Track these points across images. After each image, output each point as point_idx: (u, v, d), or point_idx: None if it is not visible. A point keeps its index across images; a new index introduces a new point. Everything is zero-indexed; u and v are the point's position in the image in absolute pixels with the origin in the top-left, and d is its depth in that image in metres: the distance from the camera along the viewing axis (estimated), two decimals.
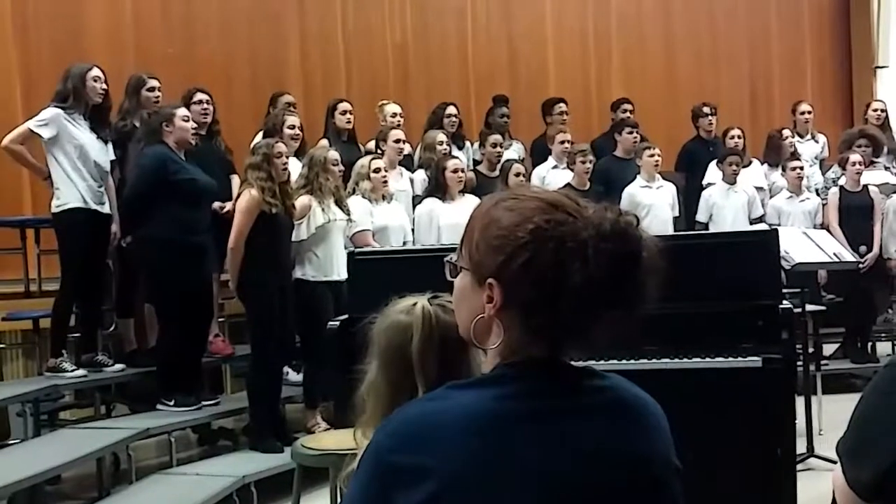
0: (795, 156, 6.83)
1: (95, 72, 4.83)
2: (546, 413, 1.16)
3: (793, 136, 7.09)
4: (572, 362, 1.24)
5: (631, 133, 6.72)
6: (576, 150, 6.27)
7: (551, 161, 6.67)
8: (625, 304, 1.17)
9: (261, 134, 5.49)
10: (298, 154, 5.30)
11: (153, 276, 4.81)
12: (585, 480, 1.14)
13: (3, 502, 3.84)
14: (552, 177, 6.51)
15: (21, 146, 4.79)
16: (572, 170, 6.23)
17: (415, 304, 1.66)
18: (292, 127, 5.40)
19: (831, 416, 4.79)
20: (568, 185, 6.18)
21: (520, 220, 1.19)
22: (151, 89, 5.24)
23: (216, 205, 5.01)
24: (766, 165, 7.09)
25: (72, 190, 4.72)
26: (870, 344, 6.52)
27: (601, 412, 1.19)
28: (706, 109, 7.17)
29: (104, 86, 4.87)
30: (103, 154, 4.89)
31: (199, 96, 5.34)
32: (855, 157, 6.47)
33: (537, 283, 1.15)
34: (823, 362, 5.48)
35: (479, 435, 1.13)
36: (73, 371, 4.72)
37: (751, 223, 6.46)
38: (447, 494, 1.10)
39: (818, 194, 6.77)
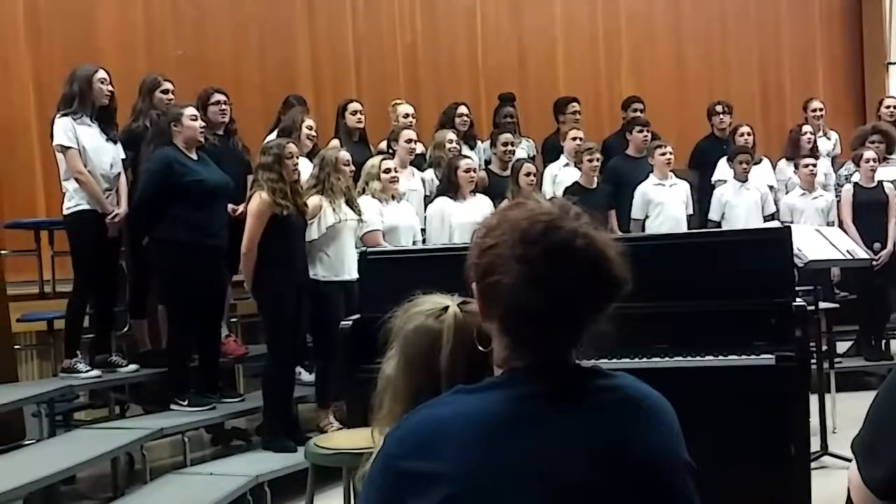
0: (815, 153, 6.79)
1: (101, 74, 4.84)
2: (554, 414, 1.17)
3: (813, 134, 7.03)
4: (581, 362, 1.24)
5: (641, 132, 6.71)
6: (583, 148, 6.26)
7: (563, 159, 6.66)
8: (557, 310, 1.17)
9: (274, 134, 5.51)
10: (310, 155, 5.32)
11: (164, 278, 4.84)
12: (595, 480, 1.14)
13: (20, 502, 3.87)
14: (564, 175, 6.51)
15: (85, 173, 4.70)
16: (579, 168, 6.23)
17: (445, 309, 1.61)
18: (310, 128, 5.43)
19: (845, 413, 4.77)
20: (576, 183, 6.19)
21: (494, 225, 1.21)
22: (165, 91, 5.26)
23: (229, 207, 5.03)
24: (783, 161, 7.06)
25: (82, 192, 4.74)
26: (884, 341, 6.49)
27: (609, 412, 1.19)
28: (719, 108, 7.16)
29: (110, 87, 4.88)
30: (112, 155, 4.90)
31: (217, 97, 5.35)
32: (869, 153, 6.43)
33: (494, 287, 1.18)
34: (837, 360, 5.46)
35: (488, 438, 1.14)
36: (87, 372, 4.75)
37: (764, 220, 6.43)
38: (459, 498, 1.11)
39: (835, 191, 6.73)
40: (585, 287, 1.17)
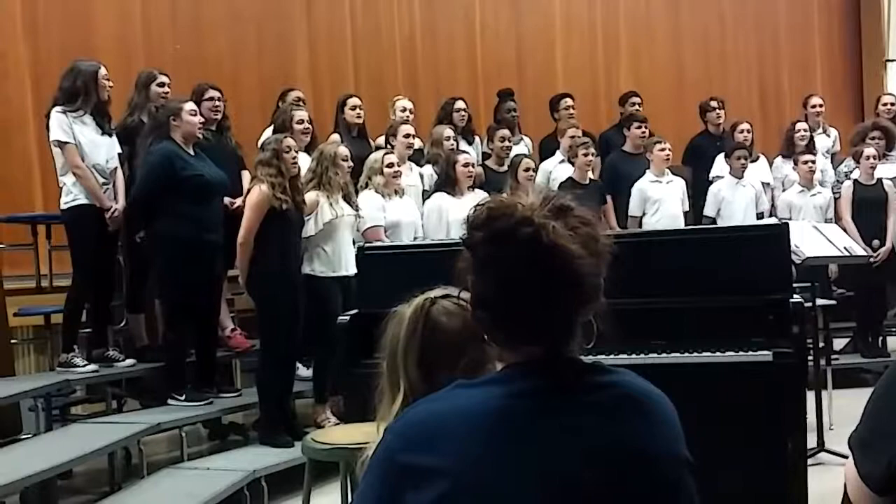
0: (811, 149, 6.79)
1: (104, 71, 4.85)
2: (554, 410, 1.16)
3: (809, 131, 7.03)
4: (581, 358, 1.24)
5: (640, 128, 6.71)
6: (578, 142, 6.25)
7: (559, 155, 6.66)
8: (505, 299, 1.16)
9: (269, 130, 5.50)
10: (309, 150, 5.31)
11: (161, 273, 4.84)
12: (595, 477, 1.14)
13: (16, 497, 3.87)
14: (559, 171, 6.49)
15: (83, 167, 4.70)
16: (573, 163, 6.22)
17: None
18: (301, 122, 5.41)
19: (842, 410, 4.78)
20: (569, 178, 6.18)
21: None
22: (161, 85, 5.26)
23: (226, 200, 5.03)
24: (779, 158, 7.07)
25: (79, 187, 4.73)
26: (881, 338, 6.50)
27: (609, 408, 1.19)
28: (713, 104, 7.17)
29: (111, 83, 4.90)
30: (109, 149, 4.89)
31: (211, 93, 5.34)
32: (870, 150, 6.43)
33: (486, 280, 1.18)
34: (834, 357, 5.46)
35: (488, 434, 1.13)
36: (84, 366, 4.75)
37: (757, 217, 6.43)
38: (458, 493, 1.11)
39: (833, 188, 6.73)
40: (532, 277, 1.15)
